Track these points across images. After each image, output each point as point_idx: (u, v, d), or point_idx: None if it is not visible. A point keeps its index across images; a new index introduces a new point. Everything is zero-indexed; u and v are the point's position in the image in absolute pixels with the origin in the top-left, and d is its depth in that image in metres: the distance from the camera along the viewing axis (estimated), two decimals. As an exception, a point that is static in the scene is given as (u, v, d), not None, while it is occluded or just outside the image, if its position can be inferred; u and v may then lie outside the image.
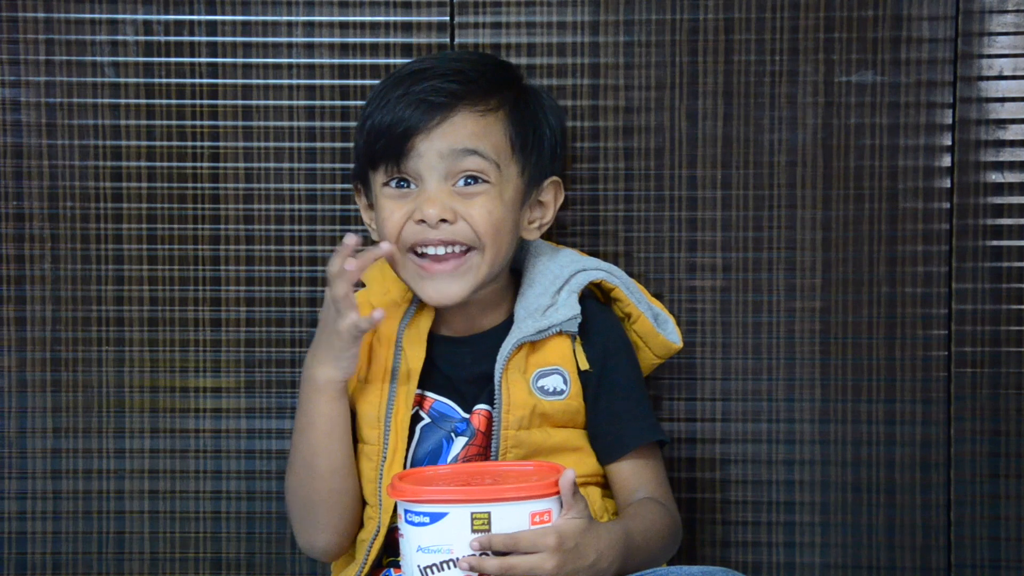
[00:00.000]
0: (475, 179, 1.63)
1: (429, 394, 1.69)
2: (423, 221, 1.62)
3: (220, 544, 1.94)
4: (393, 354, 1.67)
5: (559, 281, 1.71)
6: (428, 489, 1.47)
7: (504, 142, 1.65)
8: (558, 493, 1.48)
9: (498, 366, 1.65)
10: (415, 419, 1.68)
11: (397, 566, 1.62)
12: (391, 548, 1.65)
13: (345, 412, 1.64)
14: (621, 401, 1.69)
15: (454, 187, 1.63)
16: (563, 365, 1.68)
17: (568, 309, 1.68)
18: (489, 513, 1.44)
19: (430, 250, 1.63)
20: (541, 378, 1.66)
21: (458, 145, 1.62)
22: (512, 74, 1.73)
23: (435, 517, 1.45)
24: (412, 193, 1.64)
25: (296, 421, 1.67)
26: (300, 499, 1.67)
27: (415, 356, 1.67)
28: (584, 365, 1.68)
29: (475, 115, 1.64)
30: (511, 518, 1.44)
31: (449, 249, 1.63)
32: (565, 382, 1.68)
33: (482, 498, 1.45)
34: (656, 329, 1.76)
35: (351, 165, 1.88)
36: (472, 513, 1.44)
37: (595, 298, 1.76)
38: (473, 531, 1.44)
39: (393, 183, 1.65)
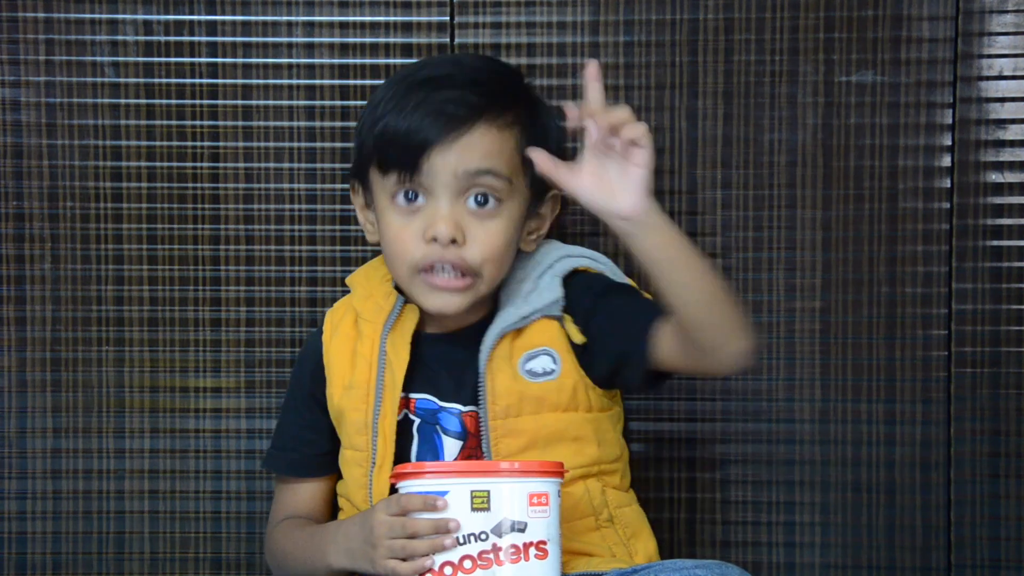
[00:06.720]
0: (486, 197, 1.61)
1: (412, 395, 1.67)
2: (435, 239, 1.60)
3: (220, 544, 1.94)
4: (378, 359, 1.66)
5: (540, 268, 1.67)
6: (429, 464, 1.52)
7: (517, 157, 1.62)
8: (556, 476, 1.49)
9: (482, 357, 1.63)
10: (408, 422, 1.67)
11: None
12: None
13: None
14: (623, 306, 1.63)
15: (466, 204, 1.61)
16: (551, 345, 1.64)
17: (550, 293, 1.64)
18: (489, 491, 1.45)
19: (438, 267, 1.61)
20: (529, 360, 1.64)
21: (473, 166, 1.60)
22: (524, 85, 1.71)
23: (436, 496, 1.47)
24: (421, 208, 1.61)
25: (300, 551, 1.66)
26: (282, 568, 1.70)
27: (399, 360, 1.65)
28: (578, 338, 1.63)
29: (493, 130, 1.61)
30: (511, 496, 1.45)
31: (457, 272, 1.61)
32: (555, 361, 1.64)
33: (482, 472, 1.47)
34: None
35: (351, 165, 1.88)
36: (472, 491, 1.45)
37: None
38: (473, 509, 1.45)
39: (402, 196, 1.62)
